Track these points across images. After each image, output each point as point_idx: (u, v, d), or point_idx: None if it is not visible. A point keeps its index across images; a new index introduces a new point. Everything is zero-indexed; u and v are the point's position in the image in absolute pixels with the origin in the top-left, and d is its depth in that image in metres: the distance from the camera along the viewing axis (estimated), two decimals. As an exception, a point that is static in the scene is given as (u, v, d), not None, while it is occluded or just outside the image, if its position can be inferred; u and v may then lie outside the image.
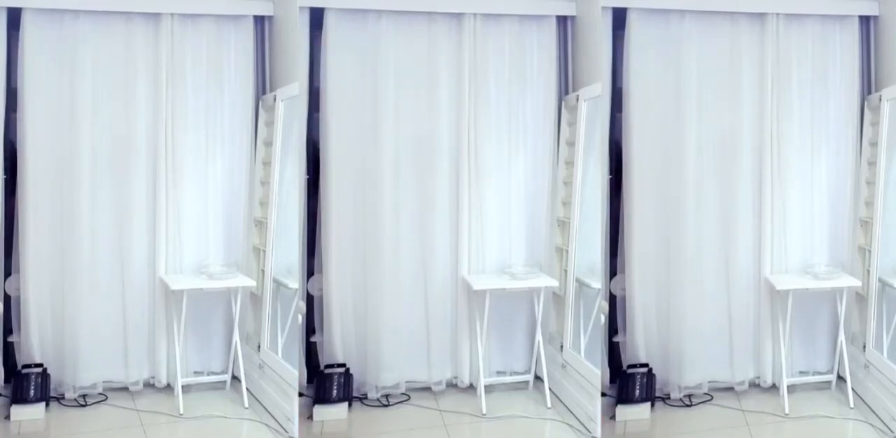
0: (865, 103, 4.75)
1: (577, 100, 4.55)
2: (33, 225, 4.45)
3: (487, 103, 4.72)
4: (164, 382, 4.73)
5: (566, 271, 4.63)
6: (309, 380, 4.57)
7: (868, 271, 4.60)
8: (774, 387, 4.75)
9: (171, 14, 4.57)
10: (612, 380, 4.55)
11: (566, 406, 4.55)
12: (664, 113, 4.59)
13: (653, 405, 4.46)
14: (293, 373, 4.26)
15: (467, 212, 4.73)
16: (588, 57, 4.58)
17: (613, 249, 4.64)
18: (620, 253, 4.66)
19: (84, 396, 4.57)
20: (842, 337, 4.66)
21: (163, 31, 4.56)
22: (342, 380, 4.42)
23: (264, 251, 4.58)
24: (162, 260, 4.68)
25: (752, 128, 4.67)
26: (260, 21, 4.75)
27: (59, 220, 4.50)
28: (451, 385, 4.83)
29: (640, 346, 4.64)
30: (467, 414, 4.56)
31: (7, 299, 4.50)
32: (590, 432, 4.28)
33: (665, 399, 4.66)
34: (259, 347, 4.63)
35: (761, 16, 4.65)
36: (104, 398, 4.62)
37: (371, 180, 4.61)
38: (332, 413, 4.42)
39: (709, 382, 4.74)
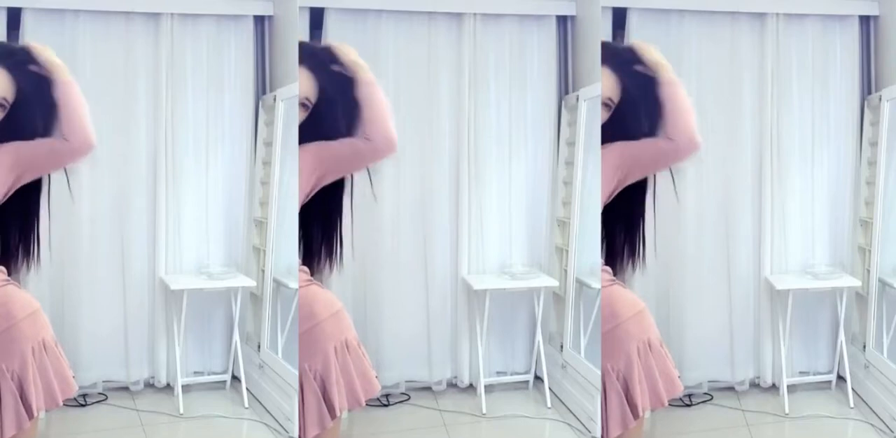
0: (865, 103, 4.75)
1: (577, 100, 4.55)
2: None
3: (487, 103, 4.72)
4: (164, 382, 4.73)
5: (566, 271, 4.63)
6: (309, 380, 4.57)
7: (868, 271, 4.60)
8: (774, 387, 4.75)
9: (171, 14, 4.57)
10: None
11: (566, 406, 4.55)
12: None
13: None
14: (293, 373, 4.25)
15: (467, 211, 4.73)
16: (588, 57, 4.58)
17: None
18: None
19: (84, 396, 4.57)
20: (842, 337, 4.65)
21: (163, 30, 4.56)
22: (342, 380, 4.42)
23: (264, 251, 4.58)
24: (162, 260, 4.68)
25: (751, 127, 4.67)
26: (260, 21, 4.75)
27: (58, 219, 4.50)
28: (451, 385, 4.83)
29: (640, 346, 4.64)
30: (467, 414, 4.56)
31: (7, 299, 4.50)
32: (590, 432, 4.28)
33: (665, 398, 4.66)
34: (259, 347, 4.63)
35: (761, 16, 4.64)
36: (104, 397, 4.62)
37: (370, 178, 4.61)
38: (332, 413, 4.42)
39: (709, 382, 4.74)
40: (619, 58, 3.38)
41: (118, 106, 4.56)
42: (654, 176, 3.56)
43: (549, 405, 4.61)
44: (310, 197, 3.39)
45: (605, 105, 3.35)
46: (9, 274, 3.40)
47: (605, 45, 3.55)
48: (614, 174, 3.35)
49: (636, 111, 3.34)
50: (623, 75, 3.33)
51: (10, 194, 3.32)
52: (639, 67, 3.35)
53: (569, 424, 4.41)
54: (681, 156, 3.35)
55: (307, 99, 3.31)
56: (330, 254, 3.54)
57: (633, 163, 3.35)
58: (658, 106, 3.33)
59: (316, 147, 3.32)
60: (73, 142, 3.28)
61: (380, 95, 3.32)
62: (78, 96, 3.32)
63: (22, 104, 3.29)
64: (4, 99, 3.24)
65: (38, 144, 3.29)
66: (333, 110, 3.33)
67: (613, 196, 3.40)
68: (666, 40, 4.58)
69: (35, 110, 3.32)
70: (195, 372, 4.81)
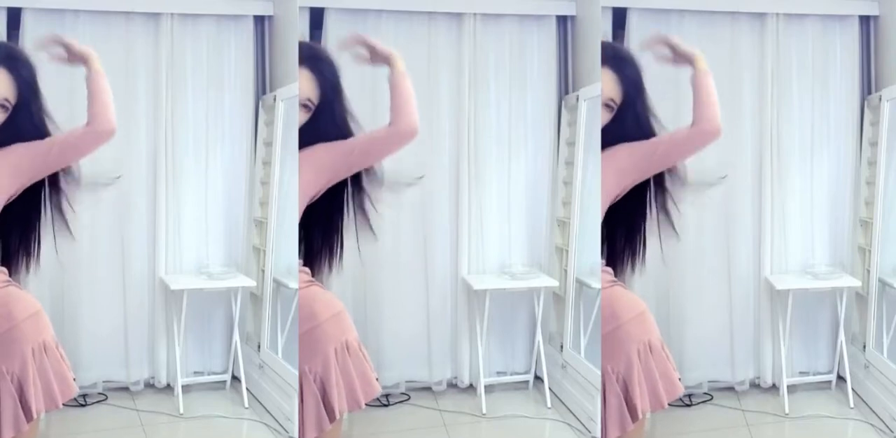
0: (865, 103, 4.75)
1: (577, 100, 4.55)
2: (33, 225, 4.46)
3: (487, 103, 4.72)
4: (164, 382, 4.74)
5: (566, 271, 4.63)
6: (309, 380, 4.57)
7: (868, 271, 4.60)
8: (774, 387, 4.75)
9: (171, 14, 4.57)
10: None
11: (566, 406, 4.56)
12: (663, 112, 4.58)
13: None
14: (293, 373, 4.26)
15: (467, 211, 4.73)
16: (588, 57, 4.58)
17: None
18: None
19: (84, 396, 4.57)
20: (842, 337, 4.65)
21: (163, 31, 4.57)
22: (342, 380, 4.42)
23: (264, 251, 4.58)
24: (162, 260, 4.68)
25: (751, 127, 4.67)
26: (260, 21, 4.76)
27: (58, 220, 4.49)
28: (452, 385, 4.83)
29: (640, 346, 4.64)
30: (467, 414, 4.56)
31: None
32: (590, 432, 4.28)
33: (665, 398, 4.66)
34: (259, 347, 4.64)
35: (761, 16, 4.64)
36: (104, 398, 4.63)
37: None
38: (332, 413, 4.42)
39: (709, 382, 4.74)
40: (622, 59, 3.38)
41: (118, 106, 4.47)
42: (655, 177, 3.54)
43: (549, 405, 4.61)
44: (315, 198, 3.39)
45: (607, 106, 3.34)
46: (10, 275, 3.40)
47: (606, 46, 3.55)
48: (620, 177, 3.35)
49: (639, 112, 3.34)
50: (624, 75, 3.33)
51: (16, 195, 3.34)
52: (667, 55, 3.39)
53: (569, 424, 4.41)
54: (705, 141, 3.37)
55: (309, 100, 3.31)
56: (331, 255, 3.54)
57: (646, 164, 3.35)
58: (680, 95, 3.36)
59: (326, 148, 3.32)
60: (98, 126, 3.29)
61: (409, 84, 3.36)
62: (107, 85, 3.37)
63: (25, 105, 3.29)
64: (6, 100, 3.24)
65: (53, 140, 3.30)
66: (333, 110, 3.34)
67: (619, 198, 3.40)
68: (666, 40, 4.58)
69: (39, 111, 3.33)
70: (195, 372, 4.81)
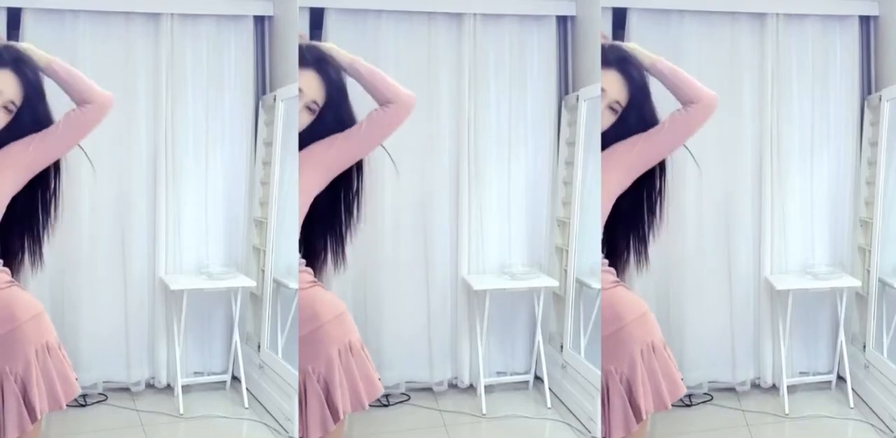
0: (865, 103, 4.75)
1: (577, 100, 4.55)
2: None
3: (487, 103, 4.72)
4: (164, 382, 4.73)
5: (566, 271, 4.63)
6: (309, 380, 4.56)
7: (868, 271, 4.60)
8: (774, 387, 4.75)
9: (171, 14, 4.57)
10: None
11: (566, 406, 4.56)
12: (663, 114, 4.58)
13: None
14: (293, 373, 4.25)
15: (467, 211, 4.73)
16: (588, 57, 4.58)
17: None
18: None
19: (84, 396, 4.57)
20: (842, 337, 4.66)
21: (163, 31, 4.56)
22: (342, 380, 4.41)
23: (264, 251, 4.58)
24: (162, 260, 4.68)
25: (751, 127, 4.68)
26: (260, 21, 4.75)
27: (58, 220, 4.49)
28: (452, 386, 4.83)
29: (640, 346, 4.64)
30: (467, 414, 4.56)
31: (7, 299, 4.49)
32: (590, 432, 4.28)
33: (665, 398, 4.66)
34: (259, 347, 4.63)
35: (761, 16, 4.64)
36: (104, 398, 4.62)
37: (370, 179, 4.60)
38: (333, 414, 4.42)
39: (709, 382, 4.74)
40: (627, 61, 3.37)
41: (118, 106, 4.45)
42: (656, 176, 3.54)
43: (549, 405, 4.61)
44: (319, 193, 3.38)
45: (611, 108, 3.32)
46: (12, 276, 3.40)
47: (612, 47, 3.53)
48: (623, 174, 3.34)
49: (646, 114, 3.33)
50: (631, 77, 3.32)
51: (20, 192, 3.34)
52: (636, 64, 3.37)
53: (569, 424, 4.41)
54: (707, 115, 3.35)
55: (314, 102, 3.30)
56: (332, 255, 3.53)
57: (648, 152, 3.34)
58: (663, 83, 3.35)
59: (325, 144, 3.31)
60: (95, 101, 3.28)
61: (373, 67, 3.33)
62: (69, 66, 3.35)
63: (30, 107, 3.29)
64: (12, 102, 3.24)
65: (54, 128, 3.30)
66: (340, 112, 3.33)
67: (622, 195, 3.39)
68: (666, 40, 4.58)
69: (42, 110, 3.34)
70: (195, 373, 4.81)
